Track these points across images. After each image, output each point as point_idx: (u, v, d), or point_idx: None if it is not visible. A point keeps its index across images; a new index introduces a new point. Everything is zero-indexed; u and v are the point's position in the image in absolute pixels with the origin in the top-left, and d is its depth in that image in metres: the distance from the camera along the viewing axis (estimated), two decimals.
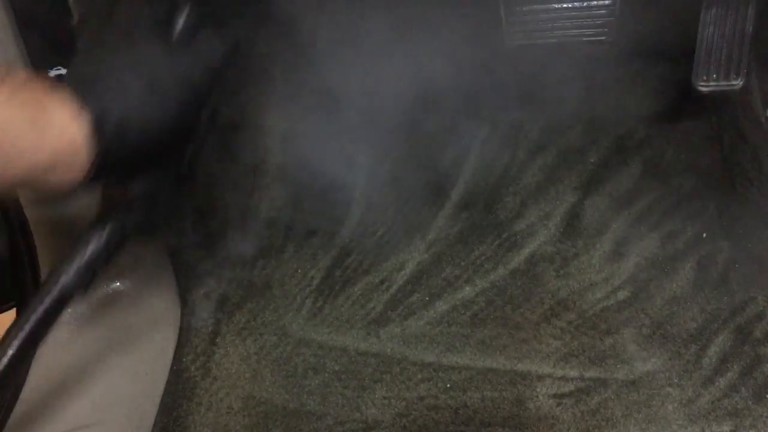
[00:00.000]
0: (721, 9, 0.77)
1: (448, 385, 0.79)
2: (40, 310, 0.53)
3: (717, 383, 0.75)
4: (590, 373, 0.78)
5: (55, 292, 0.53)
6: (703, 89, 0.83)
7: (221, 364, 0.85)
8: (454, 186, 0.97)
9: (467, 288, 0.87)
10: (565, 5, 0.82)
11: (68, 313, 0.79)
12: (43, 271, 0.75)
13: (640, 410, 0.74)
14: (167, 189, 0.58)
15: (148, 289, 0.86)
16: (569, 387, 0.77)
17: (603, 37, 0.85)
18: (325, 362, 0.83)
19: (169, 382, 0.83)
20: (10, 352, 0.52)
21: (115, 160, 0.48)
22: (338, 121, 0.98)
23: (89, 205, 0.77)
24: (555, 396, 0.76)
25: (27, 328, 0.53)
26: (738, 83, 0.80)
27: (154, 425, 0.80)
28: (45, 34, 0.74)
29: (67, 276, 0.53)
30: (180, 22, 0.54)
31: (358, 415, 0.78)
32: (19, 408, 0.74)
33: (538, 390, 0.77)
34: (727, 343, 0.78)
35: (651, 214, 0.90)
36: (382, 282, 0.89)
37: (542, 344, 0.81)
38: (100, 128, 0.46)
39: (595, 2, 0.82)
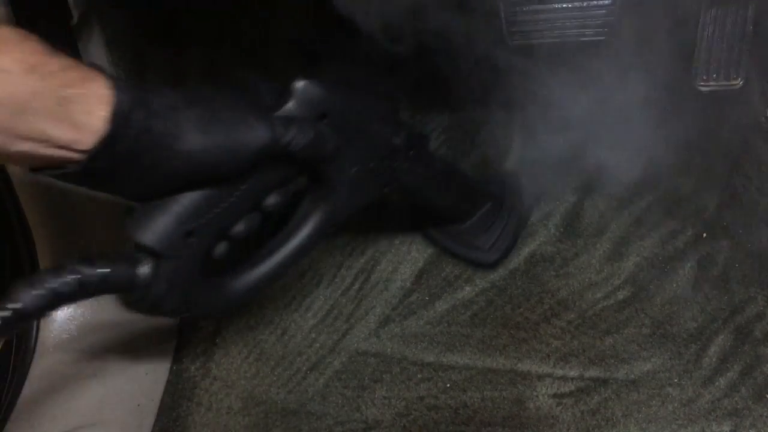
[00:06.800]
0: (721, 9, 0.77)
1: (448, 385, 0.79)
2: None
3: (717, 383, 0.75)
4: (590, 373, 0.78)
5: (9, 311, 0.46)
6: (703, 89, 0.83)
7: (221, 364, 0.85)
8: None
9: (467, 288, 0.87)
10: (565, 5, 0.82)
11: (68, 314, 0.79)
12: None
13: (640, 410, 0.74)
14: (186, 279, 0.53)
15: None
16: (569, 387, 0.77)
17: (603, 37, 0.85)
18: (325, 362, 0.83)
19: (169, 382, 0.83)
20: None
21: (116, 159, 0.44)
22: None
23: (89, 206, 0.77)
24: (555, 396, 0.76)
25: None
26: (738, 83, 0.80)
27: (154, 425, 0.80)
28: (45, 34, 0.74)
29: (31, 297, 0.46)
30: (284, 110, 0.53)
31: (358, 415, 0.78)
32: (19, 408, 0.74)
33: (538, 390, 0.77)
34: (727, 343, 0.77)
35: (651, 214, 0.90)
36: (382, 282, 0.89)
37: (542, 344, 0.81)
38: (120, 119, 0.43)
39: (595, 2, 0.82)
